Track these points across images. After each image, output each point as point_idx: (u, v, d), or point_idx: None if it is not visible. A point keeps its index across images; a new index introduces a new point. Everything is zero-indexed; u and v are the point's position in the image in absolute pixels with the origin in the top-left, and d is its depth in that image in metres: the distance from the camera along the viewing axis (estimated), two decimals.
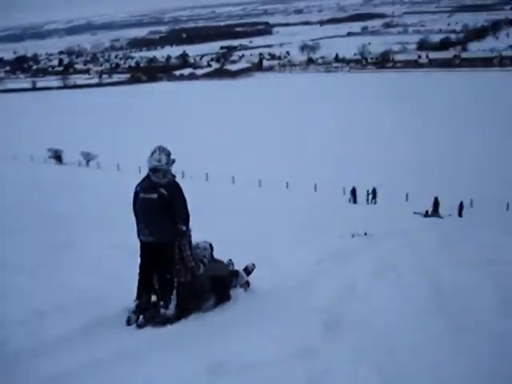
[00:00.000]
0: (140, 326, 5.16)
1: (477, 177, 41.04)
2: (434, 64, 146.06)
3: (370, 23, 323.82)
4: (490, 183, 38.45)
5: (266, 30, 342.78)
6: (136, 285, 5.40)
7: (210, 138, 63.57)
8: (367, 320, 5.33)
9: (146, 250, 5.31)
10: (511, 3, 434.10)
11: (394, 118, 71.84)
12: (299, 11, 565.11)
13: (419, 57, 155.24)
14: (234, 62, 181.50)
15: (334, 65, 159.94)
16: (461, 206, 28.32)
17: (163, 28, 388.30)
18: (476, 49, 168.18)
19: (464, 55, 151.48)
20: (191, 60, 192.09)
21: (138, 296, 5.33)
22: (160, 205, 5.05)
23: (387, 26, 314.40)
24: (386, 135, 63.12)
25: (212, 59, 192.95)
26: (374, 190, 32.53)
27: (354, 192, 32.46)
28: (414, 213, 25.10)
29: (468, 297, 6.24)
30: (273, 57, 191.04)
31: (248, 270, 6.41)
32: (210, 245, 6.10)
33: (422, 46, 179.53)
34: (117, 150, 51.01)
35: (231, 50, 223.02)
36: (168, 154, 5.14)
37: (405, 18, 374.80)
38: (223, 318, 5.39)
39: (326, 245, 10.54)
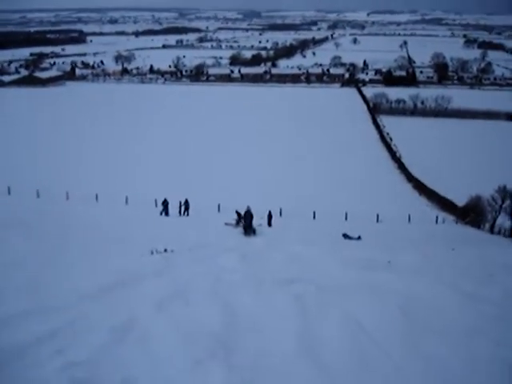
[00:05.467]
0: (246, 235, 22.19)
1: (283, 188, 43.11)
2: (245, 79, 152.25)
3: (184, 37, 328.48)
4: (297, 195, 40.52)
5: (80, 38, 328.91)
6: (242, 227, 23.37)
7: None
8: (131, 376, 4.27)
9: (248, 219, 23.23)
10: (317, 25, 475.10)
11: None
12: (114, 21, 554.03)
13: (232, 71, 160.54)
14: (44, 69, 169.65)
15: (149, 76, 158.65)
16: (270, 216, 28.62)
17: None
18: (285, 65, 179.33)
19: (274, 71, 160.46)
20: None
21: (244, 229, 22.91)
22: (251, 213, 23.54)
23: (201, 40, 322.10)
24: (199, 145, 63.70)
25: (21, 65, 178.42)
26: (186, 202, 31.77)
27: (165, 204, 31.31)
28: (225, 224, 24.86)
29: (264, 329, 5.51)
30: (86, 66, 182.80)
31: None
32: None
33: (235, 60, 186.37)
34: None
35: (42, 56, 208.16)
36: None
37: (218, 33, 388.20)
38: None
39: (116, 266, 9.30)
